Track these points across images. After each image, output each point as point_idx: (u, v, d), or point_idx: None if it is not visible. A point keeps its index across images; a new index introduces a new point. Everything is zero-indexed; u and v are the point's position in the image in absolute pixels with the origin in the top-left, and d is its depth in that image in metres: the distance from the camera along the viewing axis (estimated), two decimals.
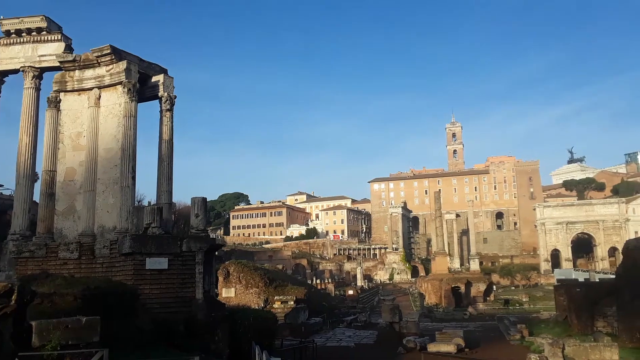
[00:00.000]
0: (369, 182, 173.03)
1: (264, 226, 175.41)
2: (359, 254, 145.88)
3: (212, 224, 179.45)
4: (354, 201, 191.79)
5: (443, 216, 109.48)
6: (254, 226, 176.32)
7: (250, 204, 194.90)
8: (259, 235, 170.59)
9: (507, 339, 29.76)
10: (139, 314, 13.36)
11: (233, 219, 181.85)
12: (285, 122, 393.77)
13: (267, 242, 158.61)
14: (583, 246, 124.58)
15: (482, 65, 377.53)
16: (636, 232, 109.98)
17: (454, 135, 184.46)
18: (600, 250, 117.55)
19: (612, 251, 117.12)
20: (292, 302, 38.46)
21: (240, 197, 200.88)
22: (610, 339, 25.24)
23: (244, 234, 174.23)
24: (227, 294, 42.12)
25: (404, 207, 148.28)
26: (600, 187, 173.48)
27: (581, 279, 48.46)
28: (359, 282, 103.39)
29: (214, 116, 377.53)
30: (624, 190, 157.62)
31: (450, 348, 23.71)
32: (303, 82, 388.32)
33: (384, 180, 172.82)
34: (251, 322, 16.42)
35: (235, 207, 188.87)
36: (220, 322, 14.91)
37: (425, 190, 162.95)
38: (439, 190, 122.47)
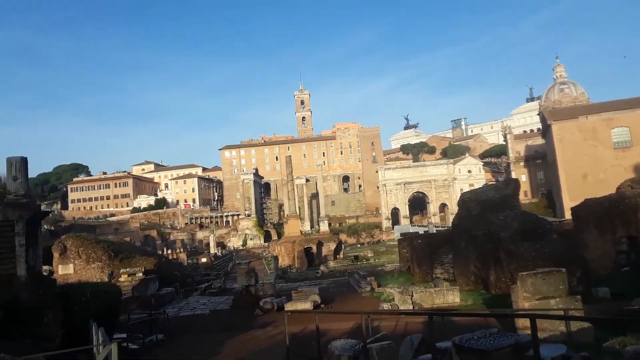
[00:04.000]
0: (219, 149, 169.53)
1: (108, 198, 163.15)
2: (211, 222, 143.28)
3: (47, 198, 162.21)
4: (204, 169, 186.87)
5: (294, 181, 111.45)
6: (96, 199, 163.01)
7: (91, 176, 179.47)
8: (102, 208, 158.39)
9: (358, 291, 30.98)
10: None
11: (72, 191, 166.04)
12: (119, 88, 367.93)
13: (113, 215, 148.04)
14: (418, 204, 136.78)
15: (322, 35, 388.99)
16: (461, 189, 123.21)
17: (302, 102, 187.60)
18: (433, 207, 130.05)
19: (442, 207, 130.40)
20: (140, 274, 35.87)
21: (79, 169, 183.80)
22: (448, 284, 27.46)
23: (85, 208, 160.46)
24: (65, 270, 37.97)
25: (256, 174, 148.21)
26: (432, 150, 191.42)
27: (421, 232, 52.48)
28: (212, 250, 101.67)
29: (35, 80, 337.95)
30: (451, 152, 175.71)
31: (307, 305, 23.83)
32: (133, 46, 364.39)
33: (235, 148, 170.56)
34: (88, 297, 14.41)
35: (74, 179, 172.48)
36: (50, 301, 12.79)
37: (276, 157, 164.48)
38: (290, 155, 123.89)
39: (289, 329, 13.86)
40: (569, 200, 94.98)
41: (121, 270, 37.31)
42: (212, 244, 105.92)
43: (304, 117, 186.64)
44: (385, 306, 20.32)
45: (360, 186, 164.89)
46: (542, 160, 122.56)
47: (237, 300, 28.66)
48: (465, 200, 28.27)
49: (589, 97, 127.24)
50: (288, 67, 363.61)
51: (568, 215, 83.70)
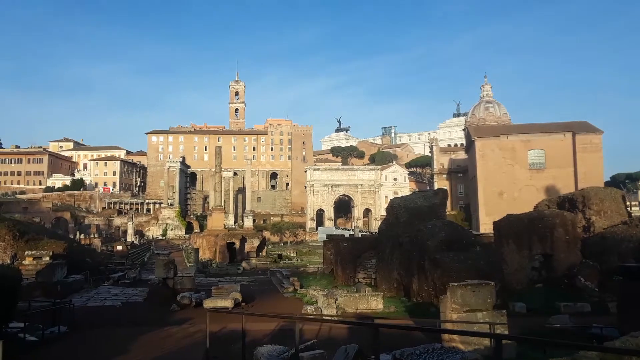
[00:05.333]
0: (146, 133, 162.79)
1: (19, 174, 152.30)
2: (131, 209, 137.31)
3: None
4: (128, 153, 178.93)
5: (222, 173, 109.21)
6: (6, 173, 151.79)
7: (2, 148, 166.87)
8: (12, 184, 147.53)
9: (280, 291, 30.40)
10: None
11: None
12: (39, 55, 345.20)
13: (23, 192, 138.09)
14: (343, 207, 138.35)
15: (265, 28, 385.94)
16: (386, 196, 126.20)
17: (237, 93, 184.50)
18: (357, 211, 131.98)
19: (366, 212, 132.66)
20: (47, 258, 33.24)
21: None
22: (370, 289, 27.55)
23: None
24: None
25: (183, 162, 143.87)
26: (361, 155, 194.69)
27: (346, 236, 52.79)
28: (130, 238, 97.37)
29: None
30: (379, 159, 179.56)
31: (227, 303, 22.93)
32: (59, 11, 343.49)
33: (163, 133, 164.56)
34: None
35: None
36: None
37: (206, 147, 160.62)
38: (220, 146, 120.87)
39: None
40: (485, 215, 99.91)
41: (26, 253, 34.45)
42: (130, 232, 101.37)
43: (237, 109, 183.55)
44: (309, 309, 19.90)
45: (287, 184, 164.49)
46: (463, 174, 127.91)
47: (152, 293, 27.17)
48: (395, 206, 28.48)
49: (510, 117, 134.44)
50: (225, 56, 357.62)
51: (483, 229, 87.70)
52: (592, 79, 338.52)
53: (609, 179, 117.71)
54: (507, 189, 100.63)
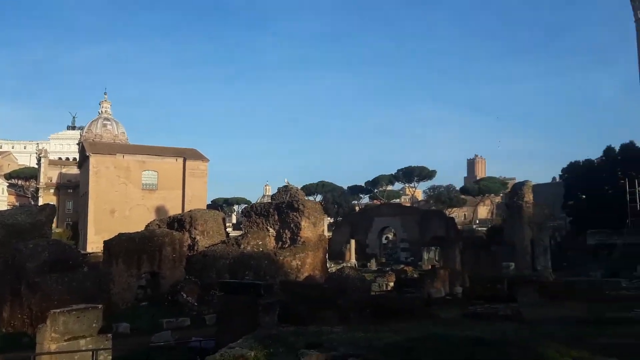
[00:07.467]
0: None
1: None
2: None
3: None
4: None
5: None
6: None
7: None
8: None
9: None
10: None
11: None
12: None
13: None
14: None
15: None
16: None
17: None
18: None
19: None
20: None
21: None
22: None
23: None
24: None
25: None
26: None
27: None
28: None
29: None
30: None
31: None
32: None
33: None
34: None
35: None
36: None
37: None
38: None
39: None
40: (94, 234, 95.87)
41: None
42: None
43: None
44: None
45: None
46: (74, 190, 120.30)
47: None
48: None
49: (128, 137, 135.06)
50: None
51: (90, 248, 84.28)
52: (204, 111, 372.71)
53: (210, 202, 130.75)
54: (120, 207, 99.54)
